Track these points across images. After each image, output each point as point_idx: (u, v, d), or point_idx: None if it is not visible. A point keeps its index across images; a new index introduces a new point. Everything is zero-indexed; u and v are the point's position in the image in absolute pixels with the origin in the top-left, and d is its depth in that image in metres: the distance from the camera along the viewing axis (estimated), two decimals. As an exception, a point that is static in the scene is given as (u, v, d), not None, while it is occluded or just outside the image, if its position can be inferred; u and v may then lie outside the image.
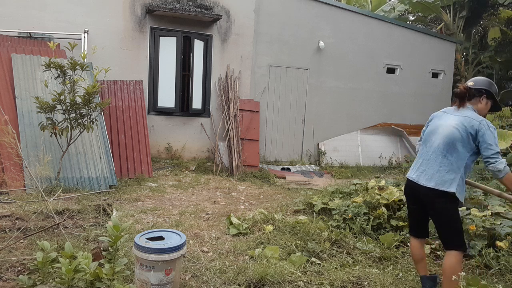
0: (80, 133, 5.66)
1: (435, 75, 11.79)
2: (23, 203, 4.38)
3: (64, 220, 3.77)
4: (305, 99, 9.97)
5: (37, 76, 6.02)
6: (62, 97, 5.27)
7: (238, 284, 3.07)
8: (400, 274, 3.42)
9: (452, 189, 2.79)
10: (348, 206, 4.71)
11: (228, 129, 8.44)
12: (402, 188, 4.94)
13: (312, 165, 9.68)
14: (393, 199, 4.56)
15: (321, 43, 9.79)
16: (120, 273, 2.59)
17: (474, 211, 4.24)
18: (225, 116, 8.59)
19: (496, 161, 2.70)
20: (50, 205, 3.93)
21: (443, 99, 11.80)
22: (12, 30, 6.88)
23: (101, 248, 2.85)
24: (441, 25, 14.33)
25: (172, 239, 2.78)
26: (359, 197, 4.95)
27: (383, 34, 10.72)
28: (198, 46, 8.46)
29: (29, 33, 6.98)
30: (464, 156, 2.81)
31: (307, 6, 9.66)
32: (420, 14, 15.15)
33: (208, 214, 5.04)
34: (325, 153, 10.08)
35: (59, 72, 5.44)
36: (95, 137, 6.05)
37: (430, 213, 2.95)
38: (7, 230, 3.76)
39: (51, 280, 2.57)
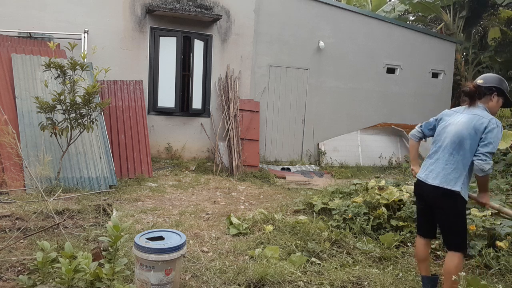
0: (80, 133, 5.66)
1: (435, 75, 11.79)
2: (23, 203, 4.38)
3: (64, 220, 3.77)
4: (305, 99, 9.97)
5: (37, 76, 6.02)
6: (62, 97, 5.27)
7: (238, 284, 3.07)
8: (400, 274, 3.42)
9: (456, 188, 2.77)
10: (348, 206, 4.71)
11: (228, 129, 8.44)
12: (402, 188, 4.95)
13: (312, 165, 9.68)
14: (393, 199, 4.55)
15: (321, 43, 9.79)
16: (120, 273, 2.59)
17: (474, 211, 4.24)
18: (225, 116, 8.59)
19: (485, 160, 2.69)
20: (50, 205, 3.93)
21: (443, 99, 11.80)
22: (12, 30, 6.88)
23: (101, 248, 2.85)
24: (441, 25, 14.33)
25: (172, 239, 2.78)
26: (359, 197, 4.94)
27: (383, 34, 10.72)
28: (198, 46, 8.46)
29: (29, 33, 6.98)
30: (471, 155, 2.78)
31: (307, 6, 9.66)
32: (420, 14, 15.15)
33: (208, 214, 5.04)
34: (325, 153, 10.08)
35: (59, 72, 5.44)
36: (95, 137, 6.05)
37: (436, 211, 2.93)
38: (7, 230, 3.76)
39: (51, 280, 2.57)
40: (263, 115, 9.36)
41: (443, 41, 11.80)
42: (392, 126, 10.83)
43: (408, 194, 4.72)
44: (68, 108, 5.37)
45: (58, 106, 5.35)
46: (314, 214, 4.96)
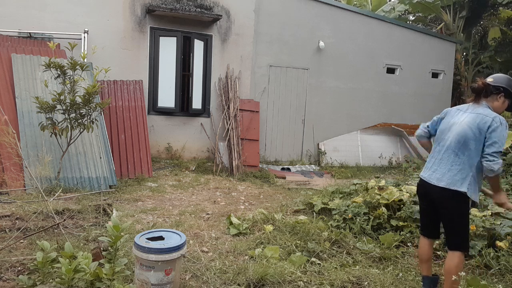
0: (80, 133, 5.66)
1: (435, 75, 11.79)
2: (23, 203, 4.38)
3: (64, 220, 3.77)
4: (305, 99, 9.97)
5: (37, 76, 6.02)
6: (62, 97, 5.27)
7: (238, 284, 3.07)
8: (400, 274, 3.42)
9: (463, 188, 2.74)
10: (348, 206, 4.71)
11: (228, 129, 8.44)
12: (402, 188, 4.95)
13: (312, 165, 9.68)
14: (393, 199, 4.55)
15: (321, 43, 9.79)
16: (120, 273, 2.59)
17: (474, 211, 4.24)
18: (225, 116, 8.59)
19: (494, 160, 2.66)
20: (50, 205, 3.93)
21: (443, 99, 11.80)
22: (12, 30, 6.88)
23: (101, 248, 2.85)
24: (441, 25, 14.32)
25: (172, 239, 2.78)
26: (359, 197, 4.94)
27: (383, 34, 10.72)
28: (198, 46, 8.46)
29: (29, 33, 6.98)
30: (476, 155, 2.75)
31: (307, 6, 9.66)
32: (420, 14, 15.13)
33: (208, 214, 5.04)
34: (325, 153, 10.08)
35: (59, 72, 5.44)
36: (95, 137, 6.05)
37: (440, 212, 2.91)
38: (7, 230, 3.76)
39: (51, 280, 2.57)
40: (263, 115, 9.36)
41: (443, 41, 11.80)
42: (392, 126, 10.83)
43: (408, 194, 4.72)
44: (68, 108, 5.37)
45: (58, 106, 5.35)
46: (314, 214, 4.96)
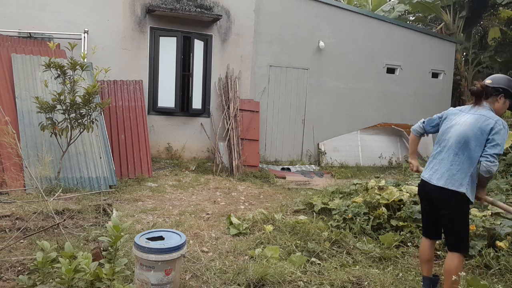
0: (80, 133, 5.66)
1: (435, 75, 11.79)
2: (23, 203, 4.38)
3: (64, 220, 3.77)
4: (305, 99, 9.97)
5: (37, 76, 6.02)
6: (62, 97, 5.27)
7: (238, 284, 3.07)
8: (400, 274, 3.42)
9: (461, 189, 2.75)
10: (348, 206, 4.71)
11: (228, 129, 8.44)
12: (402, 188, 4.95)
13: (312, 165, 9.68)
14: (393, 199, 4.55)
15: (321, 43, 9.79)
16: (120, 273, 2.59)
17: (474, 211, 4.25)
18: (225, 116, 8.59)
19: (493, 162, 2.67)
20: (50, 205, 3.93)
21: (443, 99, 11.80)
22: (12, 30, 6.88)
23: (101, 248, 2.85)
24: (441, 25, 14.32)
25: (172, 239, 2.78)
26: (359, 197, 4.94)
27: (383, 34, 10.72)
28: (198, 46, 8.46)
29: (29, 33, 6.98)
30: (475, 155, 2.75)
31: (307, 6, 9.66)
32: (420, 14, 15.13)
33: (208, 214, 5.04)
34: (325, 153, 10.08)
35: (59, 72, 5.44)
36: (95, 137, 6.05)
37: (440, 212, 2.91)
38: (7, 230, 3.76)
39: (51, 280, 2.57)
40: (263, 115, 9.36)
41: (443, 41, 11.80)
42: (392, 126, 10.83)
43: (408, 194, 4.72)
44: (68, 108, 5.37)
45: (58, 106, 5.35)
46: (314, 214, 4.96)
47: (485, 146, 2.72)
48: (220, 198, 6.01)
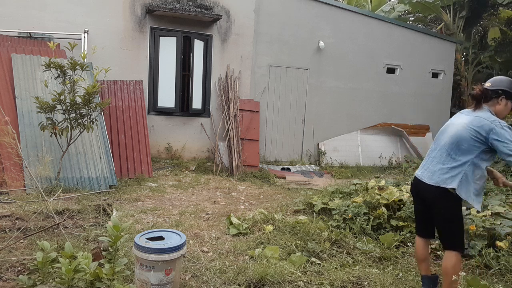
0: (80, 133, 5.66)
1: (435, 75, 11.78)
2: (23, 203, 4.38)
3: (64, 220, 3.77)
4: (305, 99, 9.97)
5: (37, 76, 6.02)
6: (62, 97, 5.27)
7: (238, 284, 3.07)
8: (400, 274, 3.42)
9: (452, 185, 2.74)
10: (348, 206, 4.71)
11: (228, 129, 8.44)
12: (402, 188, 4.95)
13: (312, 165, 9.68)
14: (393, 199, 4.56)
15: (321, 43, 9.79)
16: (120, 273, 2.59)
17: (474, 211, 4.24)
18: (225, 116, 8.59)
19: None
20: (50, 205, 3.93)
21: (443, 99, 11.80)
22: (12, 30, 6.88)
23: (101, 248, 2.85)
24: (441, 25, 14.32)
25: (172, 239, 2.78)
26: (359, 197, 4.95)
27: (383, 34, 10.72)
28: (198, 46, 8.46)
29: (29, 33, 6.98)
30: (469, 155, 2.74)
31: (307, 6, 9.66)
32: (420, 14, 15.12)
33: (208, 214, 5.04)
34: (325, 153, 10.08)
35: (59, 72, 5.44)
36: (95, 137, 6.05)
37: (432, 211, 2.91)
38: (7, 230, 3.76)
39: (51, 280, 2.57)
40: (263, 115, 9.36)
41: (443, 41, 11.80)
42: (392, 126, 10.83)
43: (408, 194, 4.72)
44: (68, 108, 5.37)
45: (58, 106, 5.35)
46: (314, 214, 4.96)
47: (495, 150, 2.69)
48: (220, 198, 6.01)
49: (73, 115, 5.46)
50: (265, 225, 4.27)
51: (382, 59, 10.80)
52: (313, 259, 3.58)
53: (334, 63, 10.19)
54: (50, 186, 5.16)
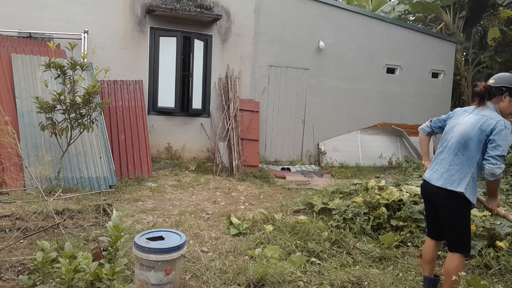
0: (80, 133, 5.66)
1: (435, 75, 11.78)
2: (23, 203, 4.38)
3: (64, 220, 3.77)
4: (305, 99, 9.97)
5: (37, 76, 6.02)
6: (62, 97, 5.27)
7: (238, 284, 3.07)
8: (400, 274, 3.42)
9: (460, 188, 2.72)
10: (348, 206, 4.71)
11: (228, 129, 8.44)
12: (402, 188, 4.95)
13: (312, 165, 9.68)
14: (393, 199, 4.55)
15: (321, 43, 9.79)
16: (120, 273, 2.59)
17: (474, 211, 4.25)
18: (225, 116, 8.59)
19: (496, 164, 2.61)
20: (50, 205, 3.93)
21: (443, 99, 11.80)
22: (12, 30, 6.88)
23: (101, 248, 2.85)
24: (441, 25, 14.31)
25: (172, 239, 2.78)
26: (359, 197, 4.94)
27: (383, 34, 10.72)
28: (198, 46, 8.46)
29: (29, 33, 6.98)
30: (475, 156, 2.72)
31: (307, 6, 9.66)
32: (420, 14, 15.12)
33: (208, 214, 5.04)
34: (325, 153, 10.08)
35: (59, 72, 5.44)
36: (95, 137, 6.05)
37: (440, 213, 2.89)
38: (7, 230, 3.76)
39: (51, 280, 2.57)
40: (263, 115, 9.36)
41: (443, 41, 11.80)
42: (392, 126, 10.83)
43: (408, 194, 4.72)
44: (68, 108, 5.37)
45: (58, 106, 5.35)
46: (314, 214, 4.96)
47: (486, 147, 2.68)
48: (220, 198, 6.01)
49: (73, 115, 5.46)
50: (265, 225, 4.27)
51: (382, 59, 10.80)
52: (313, 259, 3.58)
53: (334, 63, 10.19)
54: (50, 186, 5.16)
